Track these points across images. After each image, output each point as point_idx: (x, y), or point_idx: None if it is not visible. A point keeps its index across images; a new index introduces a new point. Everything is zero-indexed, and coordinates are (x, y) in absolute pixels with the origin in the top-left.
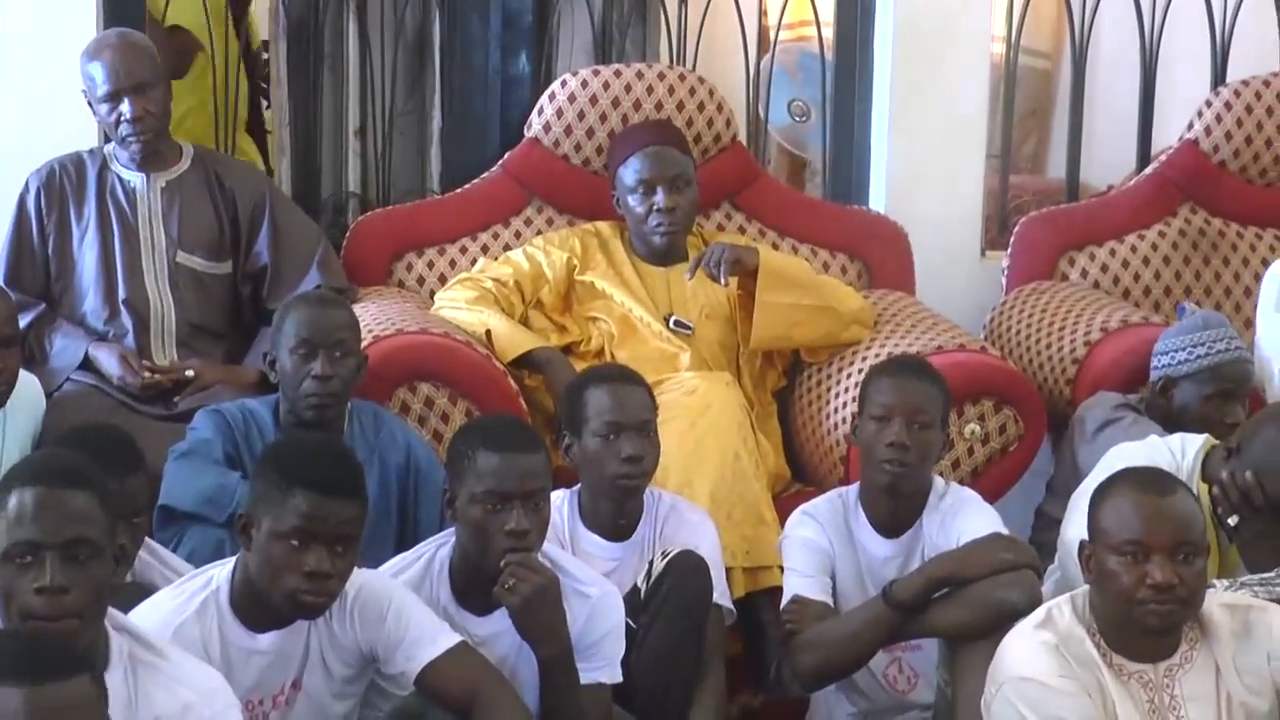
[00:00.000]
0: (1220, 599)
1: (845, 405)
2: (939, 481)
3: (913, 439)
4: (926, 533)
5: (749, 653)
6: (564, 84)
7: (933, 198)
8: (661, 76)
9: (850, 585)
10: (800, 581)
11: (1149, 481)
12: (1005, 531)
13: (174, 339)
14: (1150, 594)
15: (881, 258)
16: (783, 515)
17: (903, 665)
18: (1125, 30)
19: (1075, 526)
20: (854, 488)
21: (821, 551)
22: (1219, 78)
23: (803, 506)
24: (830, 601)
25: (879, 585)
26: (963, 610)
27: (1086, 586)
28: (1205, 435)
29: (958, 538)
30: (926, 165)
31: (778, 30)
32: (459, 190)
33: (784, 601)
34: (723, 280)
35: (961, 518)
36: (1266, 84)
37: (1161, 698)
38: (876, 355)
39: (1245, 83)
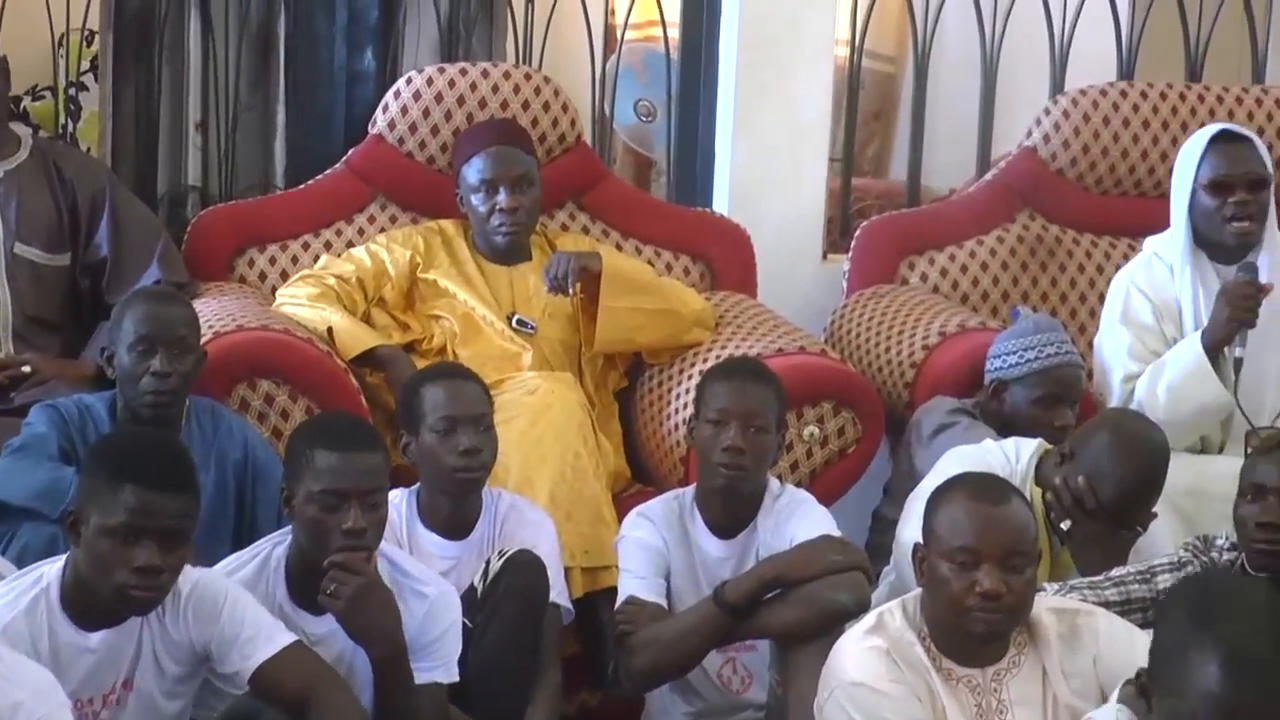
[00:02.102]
0: (1049, 603)
1: (686, 406)
2: (774, 483)
3: (748, 442)
4: (761, 534)
5: (587, 652)
6: (409, 81)
7: (776, 200)
8: (507, 75)
9: (685, 586)
10: (634, 583)
11: (983, 489)
12: (838, 533)
13: (9, 331)
14: (978, 601)
15: (724, 260)
16: (622, 515)
17: (737, 665)
18: (967, 36)
19: (910, 529)
20: (690, 489)
21: (656, 552)
22: (1058, 85)
23: (638, 508)
24: (664, 603)
25: (714, 585)
26: (792, 611)
27: (919, 590)
28: (1039, 440)
29: (791, 539)
30: (770, 167)
31: (624, 30)
32: (302, 186)
33: (618, 602)
34: (569, 292)
35: (795, 520)
36: (1103, 93)
37: (989, 701)
38: (718, 357)
39: (1083, 91)
